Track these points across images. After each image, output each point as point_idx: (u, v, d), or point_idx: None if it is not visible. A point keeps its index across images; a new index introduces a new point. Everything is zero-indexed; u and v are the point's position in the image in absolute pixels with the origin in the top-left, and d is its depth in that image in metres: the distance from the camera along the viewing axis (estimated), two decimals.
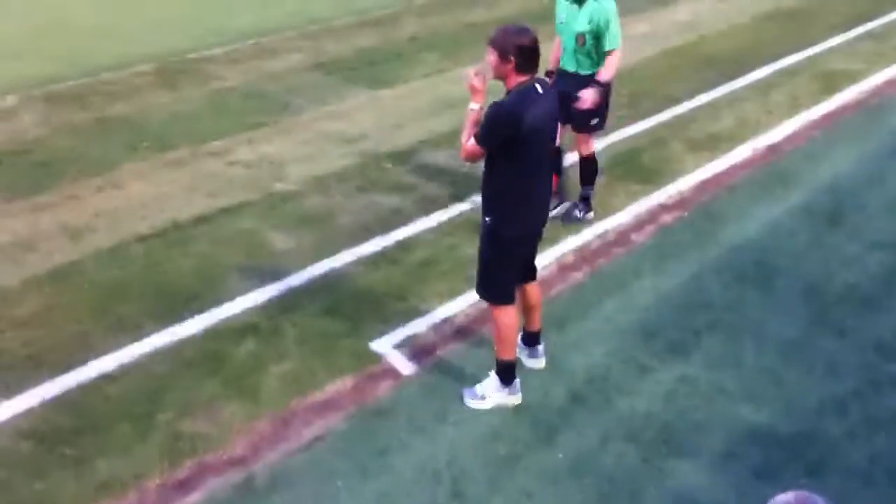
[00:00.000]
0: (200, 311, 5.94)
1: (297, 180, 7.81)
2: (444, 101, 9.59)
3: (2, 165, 8.05)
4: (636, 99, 9.71)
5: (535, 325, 5.37)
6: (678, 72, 10.64)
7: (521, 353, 5.38)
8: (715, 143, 8.61)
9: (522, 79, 4.61)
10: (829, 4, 13.70)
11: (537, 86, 4.64)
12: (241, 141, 8.62)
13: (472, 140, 4.66)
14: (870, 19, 12.83)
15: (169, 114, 9.29)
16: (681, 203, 7.48)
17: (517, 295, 5.10)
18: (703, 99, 9.76)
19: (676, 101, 9.68)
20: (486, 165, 4.80)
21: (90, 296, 6.12)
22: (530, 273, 5.22)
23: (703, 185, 7.79)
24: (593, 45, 6.64)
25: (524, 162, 4.67)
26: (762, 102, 9.66)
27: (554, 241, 6.77)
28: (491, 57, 4.61)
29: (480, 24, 12.40)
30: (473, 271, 5.07)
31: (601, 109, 6.77)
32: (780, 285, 6.33)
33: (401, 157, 8.31)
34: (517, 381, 5.13)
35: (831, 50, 11.50)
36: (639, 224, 7.15)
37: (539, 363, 5.43)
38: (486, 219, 4.85)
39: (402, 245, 6.81)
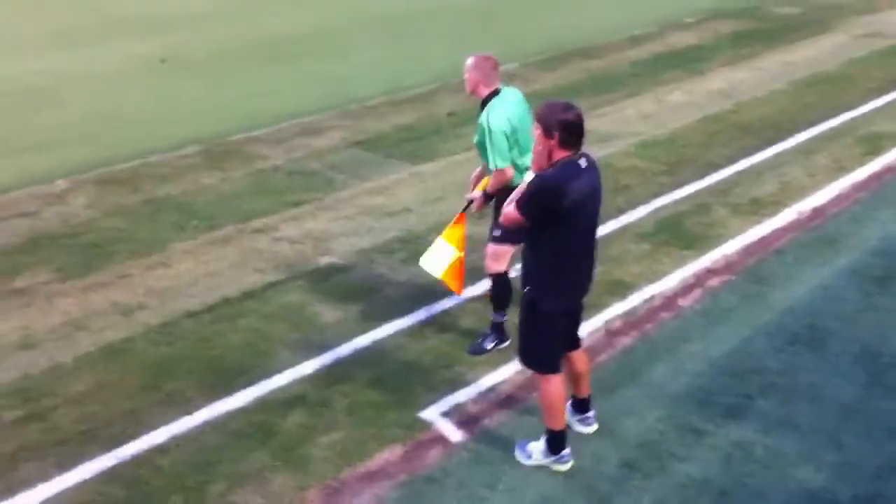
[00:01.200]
0: (249, 383, 5.97)
1: (342, 254, 7.89)
2: None
3: (54, 247, 8.22)
4: (676, 166, 9.75)
5: (584, 392, 5.33)
6: (717, 138, 10.67)
7: (572, 419, 5.33)
8: (758, 208, 8.58)
9: (566, 153, 4.64)
10: (865, 69, 13.73)
11: (581, 160, 4.67)
12: (286, 217, 8.75)
13: (513, 205, 4.70)
14: None
15: (216, 193, 9.47)
16: (727, 267, 7.43)
17: (563, 363, 5.07)
18: (744, 164, 9.76)
19: (717, 166, 9.70)
20: (529, 237, 4.84)
21: (141, 372, 6.18)
22: (575, 342, 5.19)
23: (749, 249, 7.75)
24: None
25: (566, 236, 4.69)
26: (804, 166, 9.64)
27: (600, 306, 6.75)
28: (536, 132, 4.68)
29: None
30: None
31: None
32: (833, 348, 6.23)
33: (443, 228, 8.34)
34: (567, 450, 5.06)
35: (871, 113, 11.50)
36: (686, 289, 7.10)
37: (590, 429, 5.37)
38: (526, 289, 4.86)
39: (448, 314, 6.82)
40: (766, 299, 6.91)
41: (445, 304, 6.96)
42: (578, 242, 4.78)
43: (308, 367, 6.15)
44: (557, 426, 5.02)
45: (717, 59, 14.70)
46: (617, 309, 6.81)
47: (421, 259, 6.33)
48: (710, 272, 7.36)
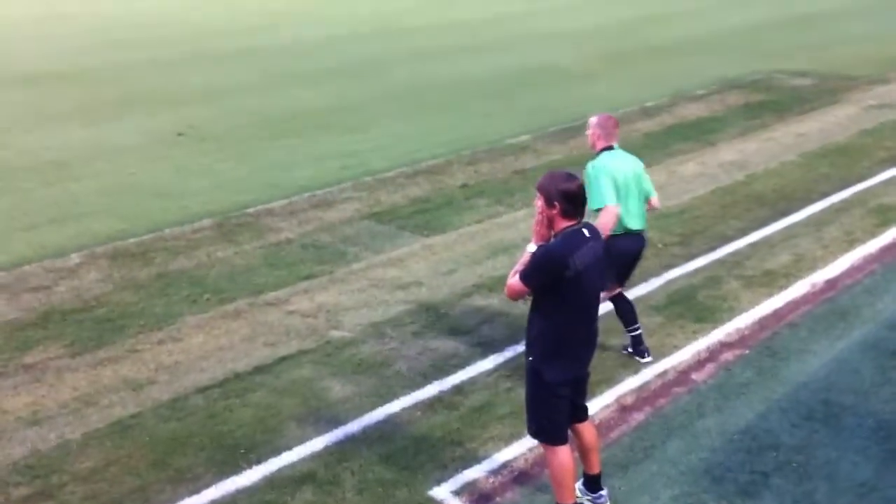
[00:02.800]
0: (258, 460, 5.93)
1: (354, 328, 7.88)
2: (496, 246, 9.72)
3: (66, 322, 8.23)
4: (688, 238, 9.75)
5: (595, 468, 5.25)
6: (729, 210, 10.68)
7: (584, 498, 5.24)
8: (771, 280, 8.55)
9: (569, 223, 4.70)
10: (877, 139, 13.79)
11: (584, 230, 4.72)
12: (298, 290, 8.77)
13: (517, 277, 4.71)
14: None
15: (228, 267, 9.50)
16: (741, 341, 7.38)
17: (572, 436, 5.02)
18: (756, 236, 9.76)
19: (729, 238, 9.69)
20: (532, 305, 4.85)
21: (150, 448, 6.14)
22: (580, 412, 5.14)
23: (763, 322, 7.70)
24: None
25: (569, 305, 4.72)
26: (817, 238, 9.63)
27: (613, 381, 6.70)
28: (538, 202, 4.73)
29: (529, 170, 12.68)
30: None
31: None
32: (849, 423, 6.14)
33: (455, 302, 8.36)
34: None
35: (883, 184, 11.51)
36: (699, 363, 7.04)
37: None
38: (529, 358, 4.87)
39: (459, 389, 6.77)
40: (781, 373, 6.84)
41: (457, 378, 6.91)
42: (581, 311, 4.80)
43: (317, 443, 6.11)
44: (568, 500, 4.94)
45: (729, 131, 14.80)
46: (630, 384, 6.75)
47: None
48: (723, 346, 7.31)
